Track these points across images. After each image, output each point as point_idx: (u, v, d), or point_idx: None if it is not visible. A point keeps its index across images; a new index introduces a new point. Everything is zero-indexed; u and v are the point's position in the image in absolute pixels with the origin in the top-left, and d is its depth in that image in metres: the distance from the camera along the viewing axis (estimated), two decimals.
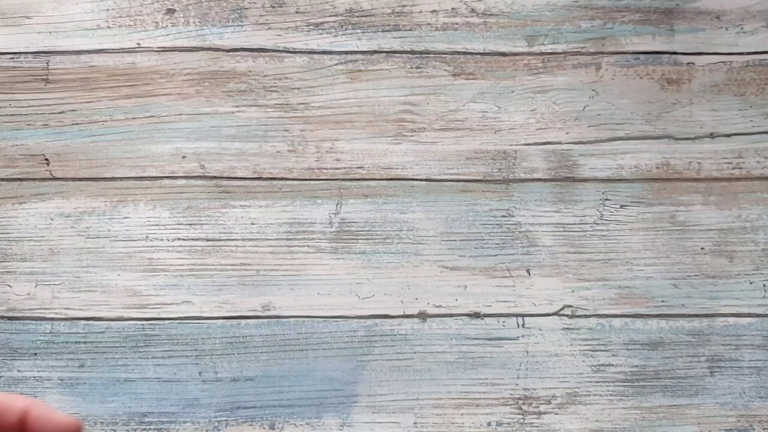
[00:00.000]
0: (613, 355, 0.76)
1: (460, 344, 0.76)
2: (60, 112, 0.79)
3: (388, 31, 0.81)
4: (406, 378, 0.75)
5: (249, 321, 0.76)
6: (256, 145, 0.78)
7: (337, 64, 0.80)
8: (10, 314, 0.76)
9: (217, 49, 0.80)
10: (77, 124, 0.79)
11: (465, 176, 0.78)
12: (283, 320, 0.76)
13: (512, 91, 0.80)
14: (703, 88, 0.80)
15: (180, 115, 0.79)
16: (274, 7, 0.81)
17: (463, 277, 0.77)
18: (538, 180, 0.78)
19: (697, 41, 0.81)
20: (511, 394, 0.75)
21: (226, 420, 0.74)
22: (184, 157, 0.78)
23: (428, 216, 0.78)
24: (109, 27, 0.80)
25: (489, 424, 0.74)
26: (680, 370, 0.76)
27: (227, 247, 0.77)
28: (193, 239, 0.77)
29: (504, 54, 0.81)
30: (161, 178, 0.78)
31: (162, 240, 0.77)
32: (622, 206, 0.78)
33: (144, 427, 0.74)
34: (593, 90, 0.80)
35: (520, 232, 0.78)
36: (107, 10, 0.80)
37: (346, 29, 0.81)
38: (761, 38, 0.81)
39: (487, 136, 0.79)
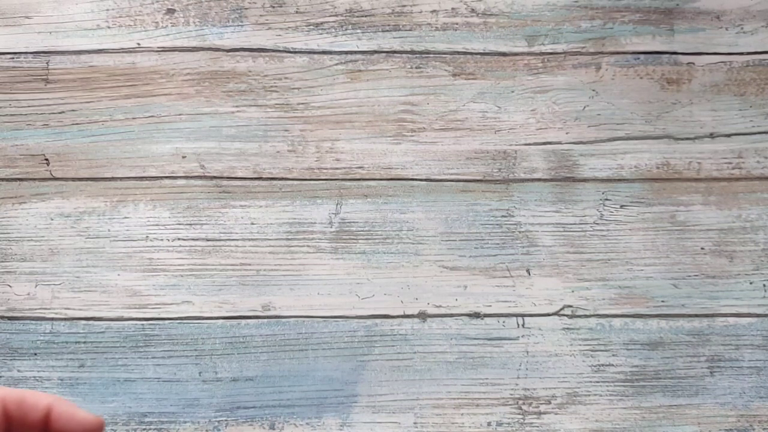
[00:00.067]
0: (613, 355, 0.76)
1: (460, 344, 0.76)
2: (60, 112, 0.79)
3: (388, 31, 0.81)
4: (406, 378, 0.75)
5: (249, 321, 0.76)
6: (256, 145, 0.78)
7: (337, 64, 0.80)
8: (10, 314, 0.76)
9: (217, 49, 0.80)
10: (77, 124, 0.79)
11: (465, 176, 0.78)
12: (283, 320, 0.76)
13: (512, 91, 0.80)
14: (703, 88, 0.80)
15: (180, 115, 0.79)
16: (274, 7, 0.81)
17: (463, 277, 0.77)
18: (538, 180, 0.78)
19: (697, 41, 0.81)
20: (511, 394, 0.75)
21: (226, 420, 0.74)
22: (184, 157, 0.78)
23: (428, 216, 0.78)
24: (109, 27, 0.80)
25: (489, 424, 0.74)
26: (680, 370, 0.76)
27: (227, 247, 0.77)
28: (193, 239, 0.77)
29: (504, 54, 0.81)
30: (161, 178, 0.78)
31: (162, 240, 0.77)
32: (622, 206, 0.78)
33: (144, 427, 0.74)
34: (593, 90, 0.80)
35: (520, 232, 0.78)
36: (107, 10, 0.80)
37: (346, 29, 0.81)
38: (761, 38, 0.81)
39: (487, 136, 0.79)
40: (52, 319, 0.75)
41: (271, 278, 0.76)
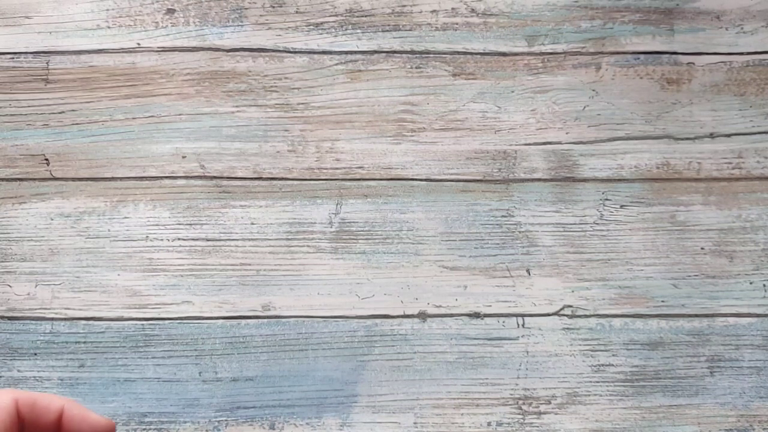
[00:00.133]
0: (613, 355, 0.76)
1: (460, 344, 0.76)
2: (60, 112, 0.79)
3: (388, 31, 0.81)
4: (406, 378, 0.75)
5: (249, 321, 0.76)
6: (256, 145, 0.78)
7: (337, 64, 0.80)
8: (10, 314, 0.76)
9: (217, 49, 0.80)
10: (77, 124, 0.79)
11: (465, 176, 0.78)
12: (283, 320, 0.76)
13: (512, 91, 0.80)
14: (703, 88, 0.80)
15: (180, 115, 0.79)
16: (274, 7, 0.81)
17: (463, 277, 0.77)
18: (538, 180, 0.78)
19: (697, 41, 0.81)
20: (511, 394, 0.75)
21: (226, 420, 0.74)
22: (184, 157, 0.78)
23: (428, 216, 0.78)
24: (109, 27, 0.80)
25: (489, 424, 0.74)
26: (680, 370, 0.76)
27: (227, 247, 0.77)
28: (193, 239, 0.77)
29: (504, 54, 0.81)
30: (161, 178, 0.78)
31: (162, 240, 0.77)
32: (622, 206, 0.78)
33: (144, 427, 0.74)
34: (593, 90, 0.80)
35: (520, 232, 0.78)
36: (107, 10, 0.80)
37: (346, 29, 0.81)
38: (761, 38, 0.81)
39: (487, 136, 0.79)
40: (52, 319, 0.75)
41: (271, 278, 0.76)
